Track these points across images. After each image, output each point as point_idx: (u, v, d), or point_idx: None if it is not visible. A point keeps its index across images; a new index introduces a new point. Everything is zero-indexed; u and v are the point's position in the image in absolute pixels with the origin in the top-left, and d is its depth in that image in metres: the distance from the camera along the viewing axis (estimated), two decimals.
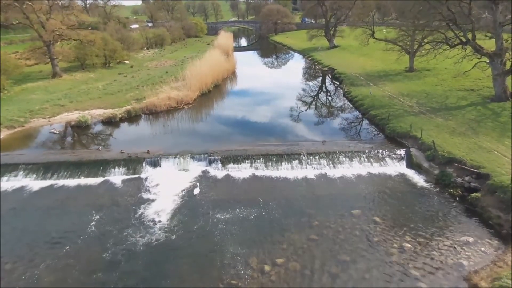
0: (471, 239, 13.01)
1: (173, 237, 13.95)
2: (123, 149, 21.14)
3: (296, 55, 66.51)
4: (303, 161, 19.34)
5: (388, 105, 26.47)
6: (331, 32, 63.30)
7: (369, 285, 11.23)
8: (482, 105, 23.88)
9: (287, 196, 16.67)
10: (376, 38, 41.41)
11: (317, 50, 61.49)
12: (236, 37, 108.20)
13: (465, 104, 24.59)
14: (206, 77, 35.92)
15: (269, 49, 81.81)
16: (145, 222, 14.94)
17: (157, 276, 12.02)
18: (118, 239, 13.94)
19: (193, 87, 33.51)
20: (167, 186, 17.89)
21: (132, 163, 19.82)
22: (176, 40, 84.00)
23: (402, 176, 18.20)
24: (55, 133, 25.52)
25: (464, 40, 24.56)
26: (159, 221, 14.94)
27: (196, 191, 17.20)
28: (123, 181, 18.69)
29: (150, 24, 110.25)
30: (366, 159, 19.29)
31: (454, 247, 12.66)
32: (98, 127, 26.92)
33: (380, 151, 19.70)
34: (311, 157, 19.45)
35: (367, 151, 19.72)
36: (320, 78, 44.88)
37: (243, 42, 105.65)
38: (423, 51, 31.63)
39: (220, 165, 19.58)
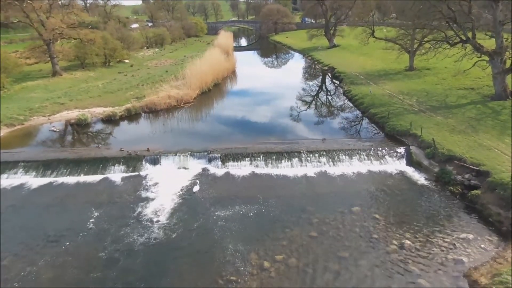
0: (471, 236, 13.00)
1: (173, 234, 13.92)
2: (122, 147, 21.13)
3: (296, 54, 66.51)
4: (303, 159, 19.33)
5: (388, 103, 26.47)
6: (331, 31, 63.31)
7: (369, 281, 11.21)
8: (482, 104, 23.88)
9: (287, 194, 16.66)
10: (376, 37, 41.41)
11: (317, 49, 61.49)
12: (236, 37, 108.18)
13: (465, 103, 24.59)
14: (206, 76, 35.92)
15: (269, 49, 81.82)
16: (144, 220, 14.91)
17: (156, 272, 12.00)
18: (117, 236, 13.91)
19: (193, 85, 33.51)
20: (167, 183, 17.88)
21: (131, 161, 19.80)
22: (176, 39, 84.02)
23: (402, 174, 18.19)
24: (55, 131, 25.51)
25: (464, 38, 24.56)
26: (159, 219, 14.91)
27: (196, 188, 17.19)
28: (123, 179, 18.67)
29: (150, 24, 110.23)
30: (366, 157, 19.27)
31: (454, 244, 12.64)
32: (98, 125, 26.91)
33: (380, 149, 19.69)
34: (311, 155, 19.44)
35: (367, 149, 19.70)
36: (320, 77, 44.89)
37: (243, 42, 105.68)
38: (423, 50, 31.68)
39: (220, 163, 19.56)
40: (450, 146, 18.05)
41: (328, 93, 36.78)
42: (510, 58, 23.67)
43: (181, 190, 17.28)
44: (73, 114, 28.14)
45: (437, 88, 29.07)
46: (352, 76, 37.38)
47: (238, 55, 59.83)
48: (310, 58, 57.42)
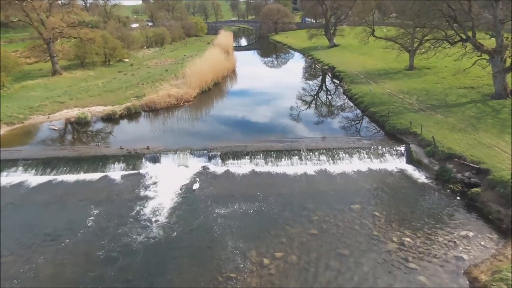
0: (471, 234, 12.98)
1: (172, 231, 13.90)
2: (122, 145, 21.11)
3: (296, 54, 66.51)
4: (303, 157, 19.31)
5: (388, 102, 26.45)
6: (331, 31, 63.30)
7: (369, 278, 11.19)
8: (482, 103, 23.85)
9: (287, 192, 16.64)
10: (376, 36, 41.39)
11: (317, 49, 61.48)
12: (236, 36, 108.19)
13: (465, 102, 24.57)
14: (206, 75, 35.90)
15: (269, 49, 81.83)
16: (143, 218, 14.88)
17: (156, 270, 11.98)
18: (116, 233, 13.87)
19: (193, 84, 33.51)
20: (167, 181, 17.85)
21: (131, 159, 19.78)
22: (176, 39, 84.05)
23: (402, 172, 18.17)
24: (55, 129, 25.50)
25: (464, 37, 24.55)
26: (158, 217, 14.88)
27: (196, 186, 17.17)
28: (123, 177, 18.65)
29: (150, 24, 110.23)
30: (366, 155, 19.26)
31: (454, 241, 12.62)
32: (98, 124, 26.90)
33: (380, 147, 19.67)
34: (311, 153, 19.42)
35: (367, 147, 19.69)
36: (320, 76, 44.89)
37: (243, 41, 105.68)
38: (423, 49, 31.68)
39: (219, 161, 19.54)
40: (450, 144, 18.03)
41: (328, 92, 36.78)
42: (510, 57, 23.65)
43: (181, 188, 17.26)
44: (73, 112, 28.13)
45: (437, 87, 29.05)
46: (352, 75, 37.36)
47: (238, 54, 59.81)
48: (310, 57, 57.42)
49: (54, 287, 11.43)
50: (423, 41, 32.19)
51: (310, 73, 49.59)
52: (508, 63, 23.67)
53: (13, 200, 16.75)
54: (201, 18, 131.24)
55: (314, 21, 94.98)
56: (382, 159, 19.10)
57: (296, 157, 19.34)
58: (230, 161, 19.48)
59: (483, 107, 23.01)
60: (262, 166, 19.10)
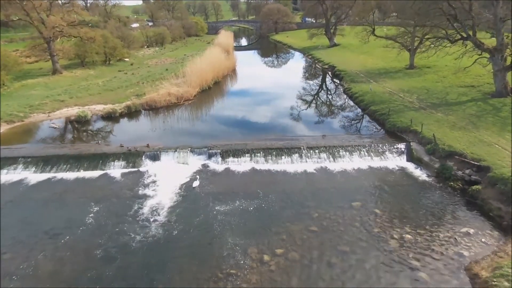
0: (471, 231, 12.95)
1: (172, 229, 13.86)
2: (122, 143, 21.08)
3: (297, 53, 66.50)
4: (303, 155, 19.28)
5: (389, 100, 26.42)
6: (332, 30, 63.29)
7: (370, 275, 11.15)
8: (483, 101, 23.82)
9: (287, 189, 16.60)
10: (376, 35, 41.37)
11: (317, 48, 61.47)
12: (237, 36, 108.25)
13: (466, 100, 24.54)
14: (206, 74, 35.88)
15: (270, 48, 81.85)
16: (143, 215, 14.84)
17: (155, 266, 11.94)
18: (116, 231, 13.83)
19: (193, 83, 33.48)
20: (167, 179, 17.81)
21: (131, 156, 19.76)
22: (176, 38, 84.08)
23: (402, 169, 18.14)
24: (55, 127, 25.48)
25: (465, 35, 24.52)
26: (158, 214, 14.85)
27: (196, 183, 17.15)
28: (123, 175, 18.62)
29: (150, 24, 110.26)
30: (366, 153, 19.23)
31: (455, 238, 12.59)
32: (98, 122, 26.87)
33: (380, 145, 19.64)
34: (311, 151, 19.39)
35: (367, 145, 19.66)
36: (321, 75, 44.88)
37: (244, 41, 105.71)
38: (423, 48, 31.66)
39: (220, 158, 19.51)
40: (451, 142, 17.99)
41: (329, 92, 36.74)
42: (511, 55, 23.61)
43: (181, 185, 17.22)
44: (73, 111, 28.11)
45: (438, 86, 29.02)
46: (353, 74, 37.33)
47: (239, 54, 59.78)
48: (310, 57, 57.41)
49: (54, 284, 11.39)
50: (424, 39, 32.16)
51: (310, 72, 49.58)
52: (508, 62, 23.63)
53: (13, 197, 16.72)
54: (201, 18, 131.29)
55: (314, 21, 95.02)
56: (382, 157, 19.07)
57: (296, 155, 19.31)
58: (230, 159, 19.45)
59: (483, 106, 22.98)
60: (262, 164, 19.07)
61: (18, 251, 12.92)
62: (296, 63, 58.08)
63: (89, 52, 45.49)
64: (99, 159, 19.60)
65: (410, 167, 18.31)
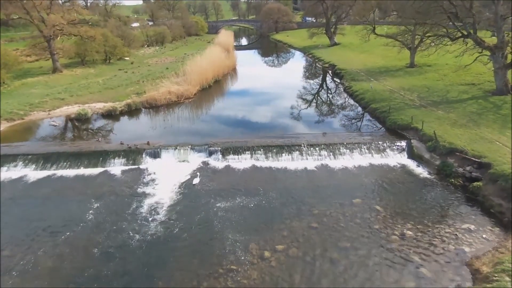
0: (472, 227, 12.92)
1: (172, 226, 13.83)
2: (123, 141, 21.06)
3: (297, 53, 66.42)
4: (303, 152, 19.25)
5: (389, 98, 26.39)
6: (332, 30, 63.23)
7: (370, 271, 11.12)
8: (484, 99, 23.79)
9: (288, 186, 16.58)
10: (377, 34, 41.30)
11: (318, 47, 61.40)
12: (237, 36, 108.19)
13: (466, 98, 24.50)
14: (207, 72, 35.87)
15: (270, 48, 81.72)
16: (144, 212, 14.82)
17: (156, 262, 11.92)
18: (116, 227, 13.80)
19: (194, 81, 33.46)
20: (167, 176, 17.78)
21: (132, 154, 19.73)
22: (176, 38, 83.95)
23: (403, 167, 18.11)
24: (55, 125, 25.46)
25: (465, 33, 24.47)
26: (158, 211, 14.83)
27: (196, 180, 17.11)
28: (123, 172, 18.60)
29: (151, 23, 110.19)
30: (367, 151, 19.20)
31: (456, 234, 12.57)
32: (98, 120, 26.87)
33: (381, 142, 19.61)
34: (312, 148, 19.36)
35: (368, 142, 19.62)
36: (321, 74, 44.85)
37: (244, 41, 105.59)
38: (423, 46, 31.59)
39: (220, 156, 19.48)
40: (452, 139, 17.95)
41: (329, 89, 36.72)
42: (511, 53, 23.57)
43: (181, 182, 17.19)
44: (73, 109, 28.11)
45: (438, 84, 28.99)
46: (353, 73, 37.29)
47: (239, 54, 59.57)
48: (311, 56, 57.36)
49: (54, 281, 11.37)
50: (424, 38, 32.09)
51: (310, 71, 49.55)
52: (509, 59, 23.58)
53: (13, 194, 16.70)
54: (201, 17, 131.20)
55: (314, 20, 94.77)
56: (383, 154, 19.04)
57: (297, 152, 19.29)
58: (231, 156, 19.42)
59: (484, 103, 22.95)
60: (262, 161, 19.05)
61: (18, 248, 12.89)
62: (297, 62, 58.04)
63: (89, 51, 45.43)
64: (99, 157, 19.58)
65: (411, 164, 18.28)
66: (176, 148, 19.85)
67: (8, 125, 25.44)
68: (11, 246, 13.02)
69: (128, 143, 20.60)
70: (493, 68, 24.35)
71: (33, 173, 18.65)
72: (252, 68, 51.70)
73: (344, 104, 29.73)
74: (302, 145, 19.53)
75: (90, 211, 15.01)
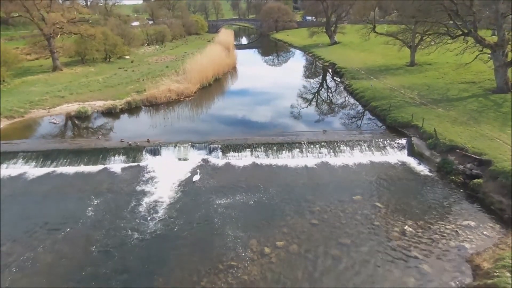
0: (473, 224, 12.91)
1: (172, 222, 13.81)
2: (123, 138, 21.04)
3: (297, 52, 66.42)
4: (303, 149, 19.24)
5: (389, 96, 26.38)
6: (332, 29, 63.20)
7: (371, 267, 11.11)
8: (484, 97, 23.75)
9: (288, 183, 16.56)
10: (377, 32, 41.28)
11: (318, 46, 61.39)
12: (237, 35, 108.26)
13: (467, 96, 24.48)
14: (207, 71, 35.86)
15: (270, 47, 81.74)
16: (144, 209, 14.79)
17: (156, 259, 11.89)
18: (116, 225, 13.78)
19: (194, 80, 33.44)
20: (167, 174, 17.76)
21: (132, 151, 19.71)
22: (176, 37, 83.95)
23: (403, 164, 18.09)
24: (55, 123, 25.44)
25: (466, 31, 24.44)
26: (158, 208, 14.80)
27: (196, 178, 17.09)
28: (123, 169, 18.58)
29: (151, 22, 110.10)
30: (367, 148, 19.18)
31: (456, 231, 12.55)
32: (98, 118, 26.85)
33: (381, 140, 19.59)
34: (312, 146, 19.34)
35: (368, 140, 19.60)
36: (321, 73, 44.85)
37: (244, 40, 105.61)
38: (424, 45, 31.56)
39: (220, 153, 19.47)
40: (452, 136, 17.93)
41: (329, 89, 36.65)
42: None
43: (181, 180, 17.18)
44: (73, 107, 28.10)
45: (439, 82, 28.95)
46: (353, 71, 37.26)
47: (239, 53, 59.56)
48: (311, 55, 57.37)
49: (53, 277, 11.34)
50: (424, 36, 32.05)
51: (311, 70, 49.54)
52: (509, 58, 23.54)
53: (12, 191, 16.68)
54: (201, 16, 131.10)
55: (315, 19, 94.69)
56: (383, 152, 19.02)
57: (297, 149, 19.27)
58: (231, 153, 19.40)
59: (484, 101, 22.92)
60: (263, 158, 19.03)
61: (17, 245, 12.86)
62: (297, 61, 58.03)
63: (89, 49, 45.45)
64: (99, 154, 19.57)
65: (411, 161, 18.27)
66: (176, 146, 19.83)
67: (8, 122, 25.42)
68: (11, 241, 13.01)
69: (128, 140, 20.58)
70: (493, 66, 24.33)
71: (33, 170, 18.63)
72: (252, 67, 51.67)
73: (344, 103, 29.72)
74: (303, 142, 19.51)
75: (90, 208, 15.00)
